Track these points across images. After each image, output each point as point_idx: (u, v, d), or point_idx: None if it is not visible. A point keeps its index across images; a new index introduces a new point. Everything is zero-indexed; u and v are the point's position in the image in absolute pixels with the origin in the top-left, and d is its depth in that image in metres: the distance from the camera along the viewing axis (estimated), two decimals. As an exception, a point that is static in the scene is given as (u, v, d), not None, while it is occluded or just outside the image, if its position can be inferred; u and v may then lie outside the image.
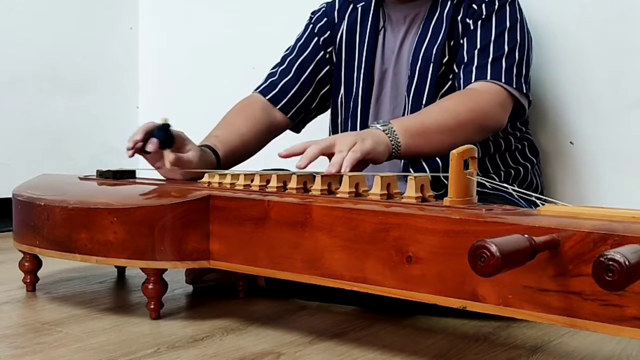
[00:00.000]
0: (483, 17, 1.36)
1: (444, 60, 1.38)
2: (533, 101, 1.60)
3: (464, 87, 1.34)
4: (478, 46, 1.35)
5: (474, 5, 1.37)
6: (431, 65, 1.38)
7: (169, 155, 1.29)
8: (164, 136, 1.29)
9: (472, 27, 1.37)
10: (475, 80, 1.32)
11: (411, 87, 1.39)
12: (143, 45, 2.55)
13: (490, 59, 1.33)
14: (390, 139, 1.19)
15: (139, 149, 1.28)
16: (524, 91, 1.35)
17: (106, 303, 1.29)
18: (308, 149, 1.12)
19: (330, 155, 1.12)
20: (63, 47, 2.33)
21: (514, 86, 1.32)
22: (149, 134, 1.28)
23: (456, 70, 1.38)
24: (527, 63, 1.37)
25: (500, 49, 1.34)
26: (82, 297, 1.33)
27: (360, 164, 1.13)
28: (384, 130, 1.19)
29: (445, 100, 1.32)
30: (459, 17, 1.38)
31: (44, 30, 2.27)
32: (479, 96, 1.30)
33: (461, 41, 1.37)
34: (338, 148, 1.11)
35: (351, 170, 1.08)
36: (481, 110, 1.28)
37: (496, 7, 1.36)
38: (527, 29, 1.40)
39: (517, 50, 1.35)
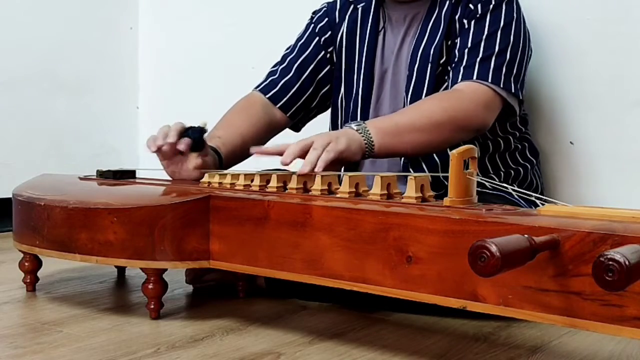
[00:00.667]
0: (478, 15, 1.36)
1: (442, 61, 1.38)
2: (533, 101, 1.61)
3: (451, 87, 1.34)
4: (469, 45, 1.35)
5: (471, 5, 1.37)
6: (429, 65, 1.38)
7: (195, 159, 1.31)
8: (199, 139, 1.30)
9: (466, 26, 1.37)
10: (462, 79, 1.33)
11: (409, 87, 1.39)
12: (143, 45, 2.55)
13: (479, 58, 1.33)
14: (364, 138, 1.22)
15: (168, 149, 1.29)
16: (513, 91, 1.34)
17: (106, 303, 1.29)
18: (290, 146, 1.15)
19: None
20: (63, 47, 2.33)
21: (502, 86, 1.32)
22: (181, 135, 1.29)
23: (449, 69, 1.38)
24: (521, 63, 1.36)
25: (490, 48, 1.34)
26: (82, 297, 1.33)
27: (334, 164, 1.16)
28: (357, 130, 1.23)
29: (424, 101, 1.33)
30: (457, 17, 1.38)
31: (44, 30, 2.27)
32: (460, 96, 1.31)
33: (456, 40, 1.38)
34: (313, 146, 1.15)
35: (325, 169, 1.12)
36: (459, 110, 1.28)
37: (492, 6, 1.36)
38: (525, 29, 1.40)
39: (509, 49, 1.34)
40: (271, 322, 1.17)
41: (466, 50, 1.35)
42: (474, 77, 1.32)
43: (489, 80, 1.31)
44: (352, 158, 1.21)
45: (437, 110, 1.28)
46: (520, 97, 1.37)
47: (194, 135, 1.30)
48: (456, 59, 1.36)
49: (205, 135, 1.34)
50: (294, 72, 1.54)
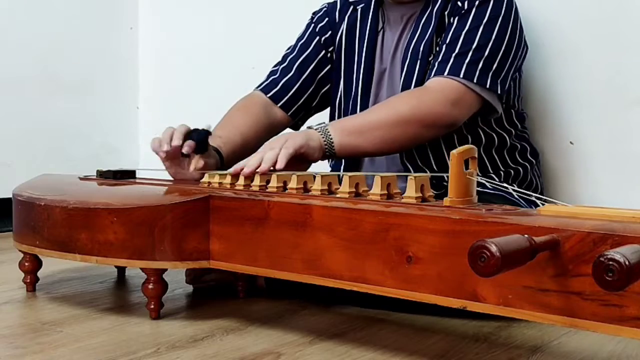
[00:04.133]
0: (463, 11, 1.36)
1: (431, 57, 1.38)
2: (533, 101, 1.61)
3: (425, 82, 1.35)
4: (447, 40, 1.35)
5: (459, 2, 1.37)
6: (418, 61, 1.38)
7: (198, 161, 1.31)
8: (203, 142, 1.31)
9: (451, 22, 1.37)
10: (435, 75, 1.33)
11: (401, 84, 1.40)
12: (143, 45, 2.55)
13: (454, 53, 1.32)
14: (323, 137, 1.26)
15: (172, 152, 1.30)
16: (488, 86, 1.32)
17: (106, 303, 1.29)
18: (249, 160, 1.18)
19: None
20: (63, 47, 2.33)
21: (475, 81, 1.31)
22: (185, 138, 1.30)
23: None
24: (504, 60, 1.34)
25: (469, 43, 1.33)
26: (82, 297, 1.33)
27: (293, 161, 1.19)
28: (316, 130, 1.27)
29: (392, 98, 1.35)
30: (447, 13, 1.39)
31: (44, 30, 2.27)
32: (427, 93, 1.31)
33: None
34: (270, 146, 1.19)
35: (287, 166, 1.16)
36: (423, 108, 1.29)
37: (478, 2, 1.35)
38: (515, 26, 1.37)
39: (489, 45, 1.33)
40: (271, 322, 1.17)
41: (444, 46, 1.35)
42: (446, 73, 1.31)
43: (461, 75, 1.31)
44: (312, 155, 1.24)
45: (402, 107, 1.29)
46: (499, 92, 1.35)
47: (199, 138, 1.30)
48: (435, 55, 1.36)
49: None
50: (295, 71, 1.54)
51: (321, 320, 1.19)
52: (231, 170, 1.19)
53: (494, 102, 1.35)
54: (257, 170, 1.16)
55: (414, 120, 1.28)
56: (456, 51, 1.32)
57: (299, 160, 1.23)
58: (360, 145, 1.28)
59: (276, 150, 1.18)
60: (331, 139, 1.26)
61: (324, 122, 1.29)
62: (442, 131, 1.33)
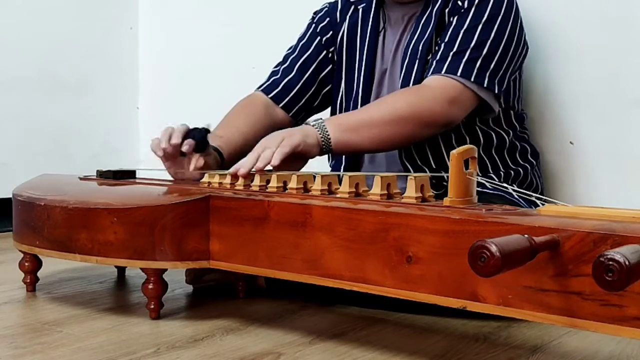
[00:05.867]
0: (462, 10, 1.36)
1: (429, 56, 1.38)
2: (533, 101, 1.61)
3: (423, 81, 1.35)
4: (446, 39, 1.35)
5: (459, 1, 1.37)
6: (417, 61, 1.38)
7: (198, 160, 1.31)
8: (203, 140, 1.30)
9: (450, 20, 1.37)
10: (432, 73, 1.33)
11: (400, 83, 1.40)
12: (143, 45, 2.55)
13: (452, 52, 1.32)
14: (320, 133, 1.25)
15: (171, 151, 1.30)
16: (485, 85, 1.32)
17: (106, 303, 1.29)
18: (245, 159, 1.18)
19: None
20: (63, 47, 2.33)
21: (472, 80, 1.31)
22: (184, 137, 1.30)
23: None
24: (502, 59, 1.34)
25: (467, 42, 1.33)
26: (82, 297, 1.33)
27: (291, 158, 1.19)
28: (313, 126, 1.26)
29: (389, 96, 1.34)
30: (447, 12, 1.39)
31: (44, 30, 2.27)
32: (426, 91, 1.31)
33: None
34: (266, 145, 1.19)
35: (283, 164, 1.15)
36: (422, 106, 1.29)
37: (477, 0, 1.35)
38: (514, 25, 1.37)
39: (488, 43, 1.33)
40: (271, 322, 1.17)
41: (443, 44, 1.35)
42: (443, 71, 1.31)
43: (458, 74, 1.31)
44: (310, 152, 1.24)
45: (400, 105, 1.29)
46: (496, 92, 1.34)
47: (199, 137, 1.30)
48: (433, 53, 1.36)
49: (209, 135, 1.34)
50: (296, 72, 1.54)
51: (321, 320, 1.19)
52: (231, 170, 1.19)
53: (491, 102, 1.35)
54: (253, 169, 1.16)
55: (411, 118, 1.28)
56: (454, 50, 1.32)
57: (297, 157, 1.23)
58: (356, 142, 1.28)
59: (272, 149, 1.18)
60: (328, 135, 1.25)
61: (321, 118, 1.29)
62: (438, 130, 1.33)
